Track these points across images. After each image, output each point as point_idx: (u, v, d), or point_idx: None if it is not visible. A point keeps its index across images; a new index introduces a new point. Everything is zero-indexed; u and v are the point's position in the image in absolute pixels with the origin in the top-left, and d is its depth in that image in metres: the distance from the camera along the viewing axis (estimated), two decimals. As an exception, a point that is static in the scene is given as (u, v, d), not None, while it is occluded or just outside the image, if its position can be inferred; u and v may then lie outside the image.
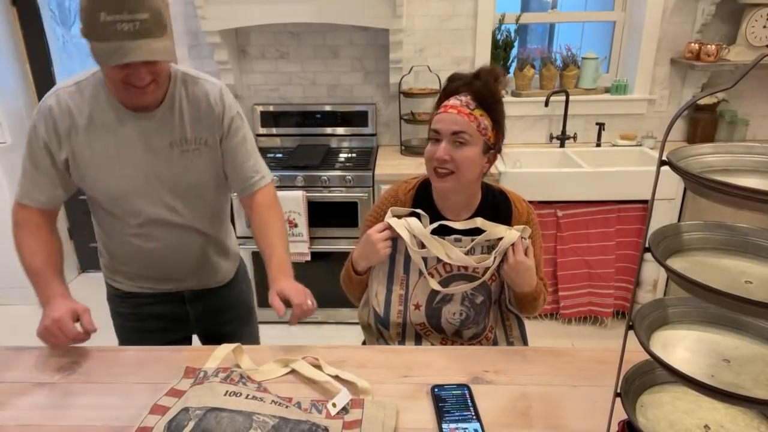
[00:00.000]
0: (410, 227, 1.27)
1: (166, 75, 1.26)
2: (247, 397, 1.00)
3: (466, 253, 1.26)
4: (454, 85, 1.27)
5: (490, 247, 1.27)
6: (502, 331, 1.42)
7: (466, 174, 1.25)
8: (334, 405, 1.02)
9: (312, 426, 0.96)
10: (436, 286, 1.28)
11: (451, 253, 1.25)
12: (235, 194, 1.46)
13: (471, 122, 1.22)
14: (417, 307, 1.34)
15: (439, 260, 1.28)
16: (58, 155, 1.29)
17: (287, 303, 1.23)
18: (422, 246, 1.27)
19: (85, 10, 1.10)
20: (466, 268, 1.29)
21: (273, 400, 1.01)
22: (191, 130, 1.32)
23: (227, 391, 1.01)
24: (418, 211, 1.32)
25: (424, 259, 1.29)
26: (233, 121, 1.37)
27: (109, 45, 1.10)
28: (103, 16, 1.08)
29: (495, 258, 1.24)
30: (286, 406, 1.00)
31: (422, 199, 1.36)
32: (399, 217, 1.31)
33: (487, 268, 1.26)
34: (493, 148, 1.27)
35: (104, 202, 1.35)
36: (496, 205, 1.35)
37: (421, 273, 1.31)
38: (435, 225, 1.29)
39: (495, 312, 1.39)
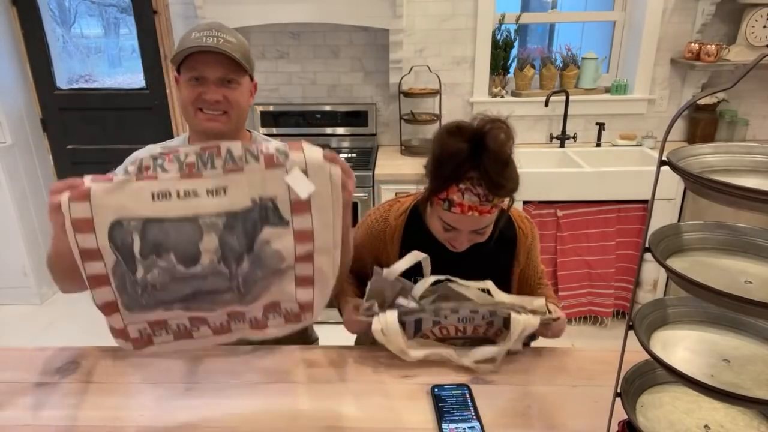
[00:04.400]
0: (392, 330, 1.13)
1: (239, 111, 1.27)
2: (178, 197, 0.89)
3: (466, 317, 1.16)
4: (463, 170, 1.06)
5: (492, 312, 1.15)
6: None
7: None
8: (267, 147, 0.91)
9: (261, 209, 0.89)
10: (415, 356, 1.15)
11: (451, 354, 1.15)
12: None
13: (492, 214, 1.11)
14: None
15: (435, 323, 1.17)
16: None
17: None
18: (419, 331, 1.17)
19: (180, 41, 1.21)
20: (464, 330, 1.18)
21: (208, 189, 0.89)
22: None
23: (153, 194, 0.88)
24: (417, 255, 1.16)
25: (419, 321, 1.17)
26: None
27: (189, 49, 1.18)
28: (195, 34, 1.20)
29: (508, 343, 1.13)
30: (225, 191, 0.89)
31: (414, 225, 1.25)
32: (381, 303, 1.18)
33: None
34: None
35: None
36: (499, 229, 1.20)
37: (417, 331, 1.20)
38: (439, 277, 1.17)
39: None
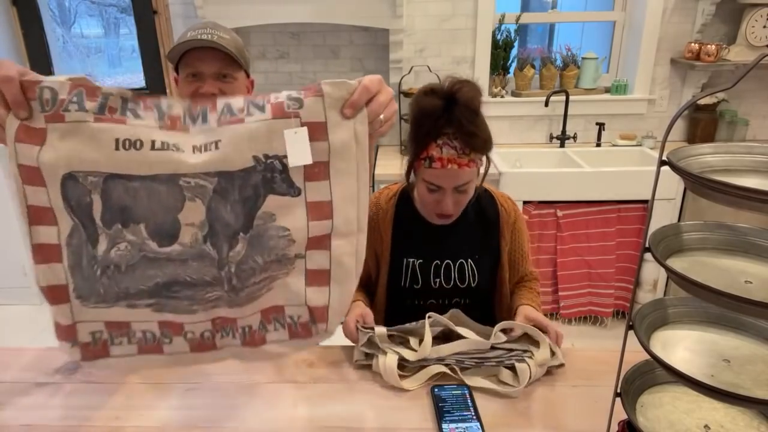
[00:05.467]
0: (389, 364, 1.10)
1: None
2: (153, 147, 0.66)
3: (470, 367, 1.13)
4: (439, 125, 1.14)
5: (499, 362, 1.12)
6: None
7: (464, 207, 1.25)
8: (276, 96, 0.70)
9: (266, 170, 0.68)
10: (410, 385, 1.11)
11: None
12: None
13: (472, 169, 1.17)
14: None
15: (438, 362, 1.13)
16: None
17: None
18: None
19: (177, 41, 1.23)
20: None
21: (195, 146, 0.67)
22: None
23: (117, 140, 0.66)
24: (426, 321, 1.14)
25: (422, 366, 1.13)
26: None
27: (185, 44, 1.20)
28: (190, 33, 1.21)
29: (518, 390, 1.08)
30: (216, 144, 0.67)
31: (404, 206, 1.34)
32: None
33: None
34: (485, 172, 1.25)
35: None
36: (482, 207, 1.32)
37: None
38: (439, 322, 1.15)
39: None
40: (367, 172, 0.72)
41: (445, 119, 1.13)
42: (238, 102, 0.69)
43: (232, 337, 0.77)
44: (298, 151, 0.67)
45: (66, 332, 0.74)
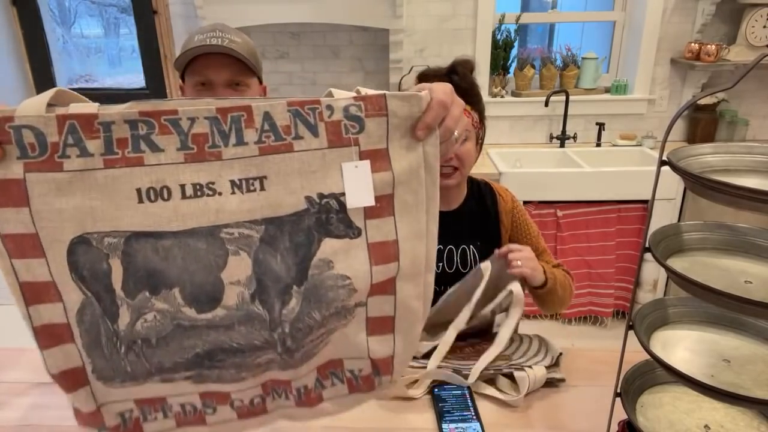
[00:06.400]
0: None
1: None
2: (185, 196, 0.54)
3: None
4: (439, 79, 1.28)
5: (497, 369, 1.11)
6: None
7: (468, 168, 1.30)
8: (329, 107, 0.57)
9: (321, 212, 0.57)
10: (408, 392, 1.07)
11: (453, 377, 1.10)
12: None
13: (467, 117, 1.25)
14: None
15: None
16: None
17: None
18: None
19: (183, 45, 1.16)
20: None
21: (233, 181, 0.55)
22: None
23: (140, 191, 0.54)
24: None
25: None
26: None
27: (192, 50, 1.14)
28: (198, 36, 1.13)
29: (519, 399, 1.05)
30: (262, 183, 0.55)
31: None
32: None
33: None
34: (481, 140, 1.33)
35: None
36: (482, 195, 1.40)
37: None
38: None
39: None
40: (437, 200, 0.61)
41: (446, 76, 1.25)
42: (281, 115, 0.56)
43: (285, 399, 0.68)
44: (359, 189, 0.57)
45: (89, 419, 0.63)
